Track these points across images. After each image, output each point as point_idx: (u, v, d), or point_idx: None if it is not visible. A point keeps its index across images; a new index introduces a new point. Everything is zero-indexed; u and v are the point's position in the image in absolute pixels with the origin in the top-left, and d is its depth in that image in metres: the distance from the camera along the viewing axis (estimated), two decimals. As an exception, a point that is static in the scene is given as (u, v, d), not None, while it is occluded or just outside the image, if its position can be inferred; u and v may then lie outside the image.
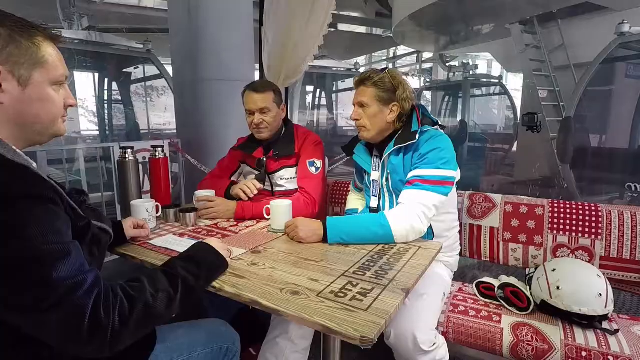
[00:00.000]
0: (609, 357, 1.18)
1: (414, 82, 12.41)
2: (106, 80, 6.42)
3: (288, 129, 1.87)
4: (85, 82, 6.32)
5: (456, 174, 1.41)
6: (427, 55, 11.53)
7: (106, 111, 6.58)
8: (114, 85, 6.50)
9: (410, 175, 1.40)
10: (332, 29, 9.03)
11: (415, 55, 11.88)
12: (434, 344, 1.25)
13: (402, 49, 11.72)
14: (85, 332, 0.69)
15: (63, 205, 0.78)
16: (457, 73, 8.81)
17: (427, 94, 10.51)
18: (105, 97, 6.45)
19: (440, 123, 1.52)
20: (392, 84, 1.45)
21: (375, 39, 10.56)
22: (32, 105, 0.81)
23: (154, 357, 0.97)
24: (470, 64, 8.65)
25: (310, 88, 9.34)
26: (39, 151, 2.57)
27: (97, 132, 6.81)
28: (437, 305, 1.41)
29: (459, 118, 8.93)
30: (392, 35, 8.31)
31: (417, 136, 1.41)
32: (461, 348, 1.44)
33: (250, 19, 2.80)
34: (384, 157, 1.50)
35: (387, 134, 1.51)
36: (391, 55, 13.18)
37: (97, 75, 6.30)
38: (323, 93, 9.32)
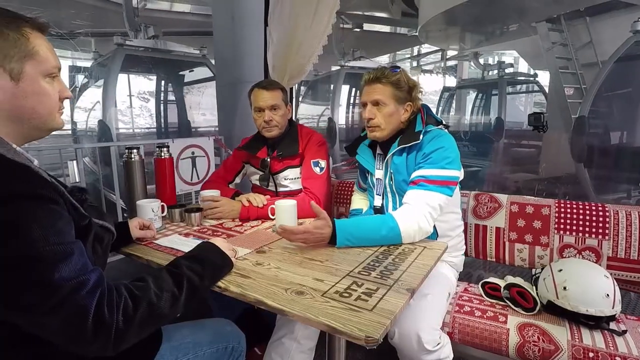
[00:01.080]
0: (617, 358, 1.17)
1: (438, 80, 12.52)
2: (163, 82, 6.99)
3: (292, 129, 1.87)
4: (119, 85, 6.70)
5: (460, 174, 1.41)
6: (451, 53, 11.61)
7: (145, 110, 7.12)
8: (169, 87, 7.12)
9: (414, 175, 1.40)
10: (358, 29, 9.41)
11: (440, 53, 11.94)
12: (438, 344, 1.24)
13: (425, 47, 11.81)
14: (89, 331, 0.69)
15: (65, 204, 0.78)
16: (489, 71, 9.06)
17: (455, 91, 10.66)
18: (162, 98, 7.05)
19: (444, 122, 1.52)
20: (408, 84, 1.45)
21: (400, 38, 10.72)
22: (28, 99, 0.79)
23: (160, 356, 0.97)
24: (506, 62, 8.90)
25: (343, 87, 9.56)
26: (112, 145, 2.76)
27: (130, 130, 7.28)
28: (442, 305, 1.40)
29: (491, 115, 9.15)
30: (417, 34, 8.48)
31: (421, 136, 1.41)
32: (467, 348, 1.43)
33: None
34: (387, 156, 1.49)
35: (395, 132, 1.51)
36: (415, 53, 13.19)
37: (155, 78, 6.91)
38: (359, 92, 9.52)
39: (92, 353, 0.73)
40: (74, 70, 7.73)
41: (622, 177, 4.69)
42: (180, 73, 6.99)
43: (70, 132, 6.91)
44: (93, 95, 6.53)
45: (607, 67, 4.81)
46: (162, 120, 7.02)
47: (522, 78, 9.30)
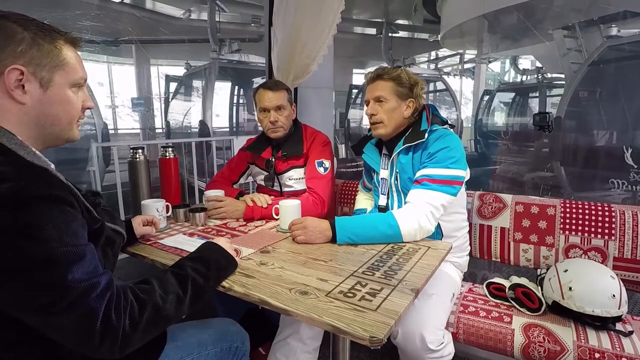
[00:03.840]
0: (623, 359, 1.17)
1: (455, 82, 12.94)
2: (236, 88, 8.05)
3: (297, 129, 1.88)
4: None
5: (465, 174, 1.40)
6: (468, 56, 12.01)
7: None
8: (241, 92, 8.21)
9: (418, 174, 1.40)
10: (381, 35, 10.08)
11: (457, 56, 12.27)
12: (442, 343, 1.24)
13: (442, 51, 12.19)
14: (97, 335, 0.70)
15: (79, 207, 0.79)
16: (528, 75, 9.55)
17: (467, 93, 11.02)
18: (235, 101, 8.23)
19: (449, 122, 1.52)
20: (409, 81, 1.46)
21: (420, 43, 11.40)
22: (53, 106, 0.83)
23: (164, 355, 0.98)
24: (522, 66, 9.32)
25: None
26: (212, 140, 3.13)
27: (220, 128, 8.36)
28: (446, 305, 1.40)
29: (528, 116, 9.52)
30: (438, 39, 8.91)
31: (426, 135, 1.41)
32: (472, 349, 1.43)
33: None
34: (392, 155, 1.49)
35: (401, 129, 1.51)
36: (432, 56, 13.50)
37: (230, 84, 8.10)
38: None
39: (100, 356, 0.73)
40: (169, 79, 9.05)
41: (595, 175, 4.80)
42: (253, 80, 8.04)
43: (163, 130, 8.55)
44: (185, 99, 8.27)
45: (582, 70, 4.97)
46: (235, 121, 8.30)
47: (563, 82, 9.61)
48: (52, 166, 0.82)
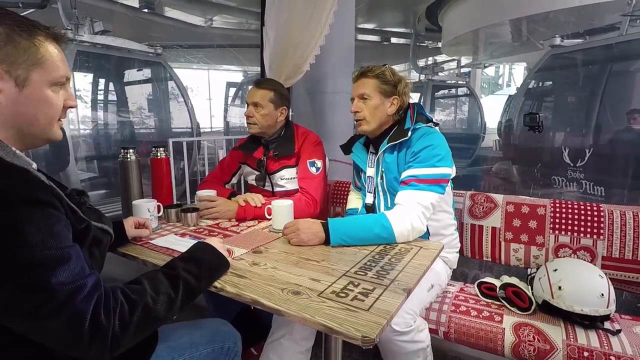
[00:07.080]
0: (611, 357, 1.18)
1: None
2: None
3: (288, 129, 1.87)
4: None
5: (451, 171, 1.41)
6: (464, 61, 12.46)
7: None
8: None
9: (405, 174, 1.40)
10: (386, 42, 10.62)
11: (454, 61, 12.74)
12: (410, 327, 1.25)
13: (439, 56, 12.70)
14: (86, 337, 0.69)
15: (63, 208, 0.78)
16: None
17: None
18: None
19: (434, 120, 1.52)
20: (393, 79, 1.47)
21: (420, 49, 11.83)
22: (29, 106, 0.79)
23: (156, 356, 0.97)
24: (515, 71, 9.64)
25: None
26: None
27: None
28: (422, 293, 1.40)
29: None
30: (439, 46, 9.47)
31: (410, 133, 1.42)
32: (463, 348, 1.44)
33: (351, 41, 3.00)
34: (379, 154, 1.50)
35: (385, 127, 1.52)
36: (429, 61, 13.89)
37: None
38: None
39: (90, 358, 0.72)
40: (229, 85, 9.62)
41: (542, 172, 5.14)
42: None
43: (222, 129, 9.40)
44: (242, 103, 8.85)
45: (530, 76, 5.40)
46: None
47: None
48: (34, 165, 0.80)
